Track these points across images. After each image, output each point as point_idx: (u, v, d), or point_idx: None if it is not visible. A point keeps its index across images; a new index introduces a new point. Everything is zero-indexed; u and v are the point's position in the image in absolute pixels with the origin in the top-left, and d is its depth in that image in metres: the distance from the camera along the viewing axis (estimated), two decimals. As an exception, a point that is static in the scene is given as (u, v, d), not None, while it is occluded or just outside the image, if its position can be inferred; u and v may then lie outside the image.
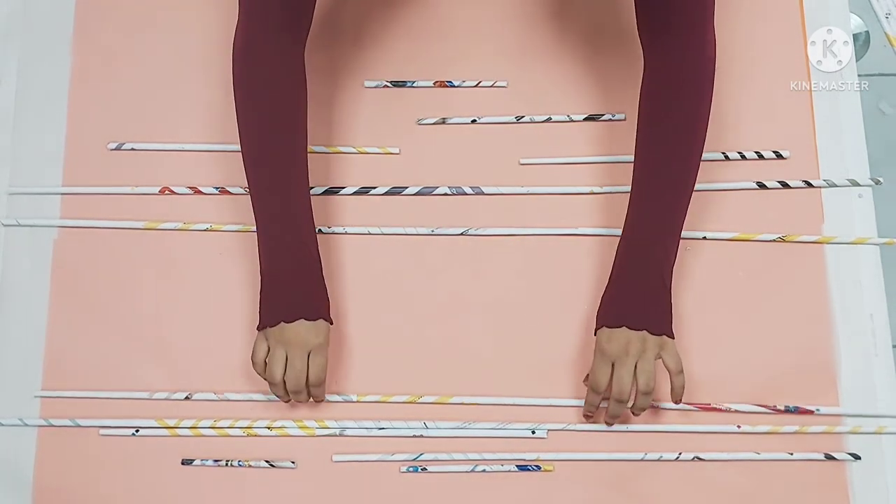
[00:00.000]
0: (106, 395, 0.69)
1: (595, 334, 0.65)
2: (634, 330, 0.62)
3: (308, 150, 0.73)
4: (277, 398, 0.67)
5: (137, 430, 0.69)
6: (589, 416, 0.68)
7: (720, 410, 0.68)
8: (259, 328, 0.65)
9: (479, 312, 0.71)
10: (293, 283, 0.64)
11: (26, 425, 0.69)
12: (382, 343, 0.71)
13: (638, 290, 0.64)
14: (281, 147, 0.64)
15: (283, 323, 0.63)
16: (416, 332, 0.71)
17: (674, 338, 0.64)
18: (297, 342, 0.63)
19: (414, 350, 0.71)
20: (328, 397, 0.68)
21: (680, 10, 0.62)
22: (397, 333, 0.71)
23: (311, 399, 0.67)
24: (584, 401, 0.67)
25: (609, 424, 0.67)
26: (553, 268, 0.72)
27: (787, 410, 0.68)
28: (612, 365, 0.63)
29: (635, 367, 0.62)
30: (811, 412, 0.69)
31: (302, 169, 0.65)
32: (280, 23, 0.63)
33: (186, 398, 0.69)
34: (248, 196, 0.65)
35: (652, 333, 0.62)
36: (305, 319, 0.63)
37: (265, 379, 0.65)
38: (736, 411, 0.68)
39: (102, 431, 0.69)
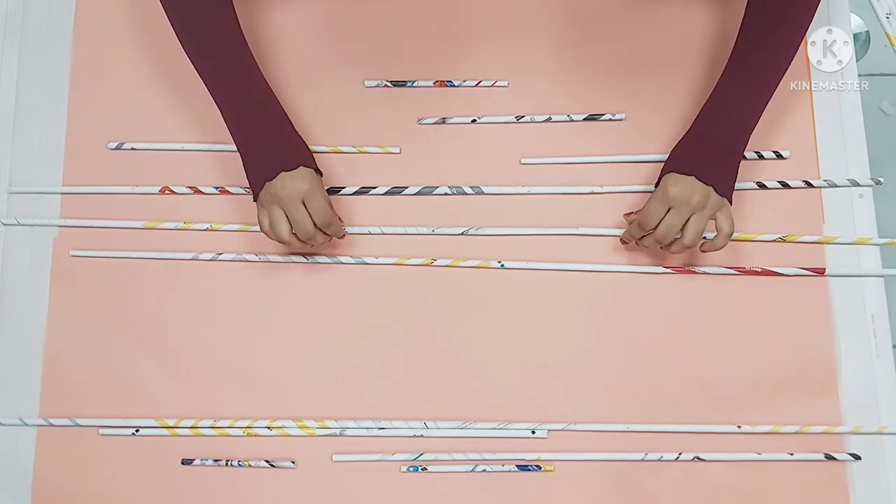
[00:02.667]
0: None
1: (659, 177, 0.67)
2: (702, 182, 0.64)
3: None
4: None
5: (137, 430, 0.69)
6: (625, 242, 0.71)
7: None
8: (254, 199, 0.66)
9: (480, 313, 0.71)
10: (263, 142, 0.65)
11: (26, 425, 0.70)
12: (383, 339, 0.71)
13: (715, 148, 0.65)
14: (214, 20, 0.66)
15: (266, 183, 0.64)
16: (418, 331, 0.71)
17: (731, 204, 0.66)
18: (285, 195, 0.63)
19: (415, 349, 0.71)
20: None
21: None
22: (398, 333, 0.71)
23: (332, 238, 0.69)
24: (624, 230, 0.70)
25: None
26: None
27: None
28: (668, 210, 0.65)
29: (688, 219, 0.64)
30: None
31: (240, 37, 0.67)
32: None
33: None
34: (231, 151, 0.68)
35: (717, 192, 0.64)
36: (284, 171, 0.64)
37: (278, 240, 0.65)
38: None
39: (102, 431, 0.69)
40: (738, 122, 0.66)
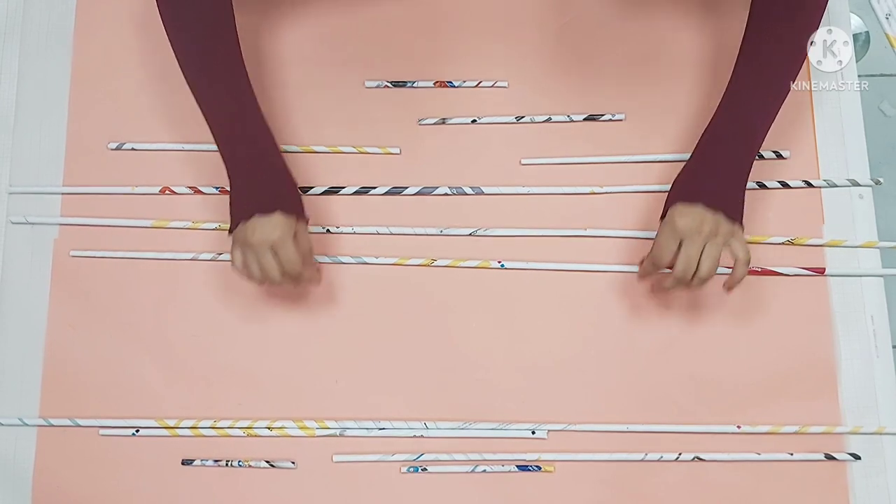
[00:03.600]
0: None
1: (664, 210, 0.63)
2: (710, 210, 0.61)
3: (308, 149, 0.74)
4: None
5: (137, 431, 0.69)
6: (643, 277, 0.68)
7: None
8: (229, 232, 0.64)
9: (480, 313, 0.71)
10: (249, 180, 0.63)
11: (26, 425, 0.69)
12: (384, 339, 0.71)
13: (720, 172, 0.62)
14: (215, 46, 0.65)
15: (241, 223, 0.62)
16: (418, 331, 0.71)
17: (744, 229, 0.63)
18: (254, 240, 0.61)
19: (415, 350, 0.71)
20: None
21: None
22: (398, 333, 0.71)
23: (307, 282, 0.66)
24: (638, 268, 0.67)
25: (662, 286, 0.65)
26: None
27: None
28: (680, 242, 0.61)
29: (703, 249, 0.61)
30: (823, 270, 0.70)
31: (241, 67, 0.65)
32: None
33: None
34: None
35: (727, 217, 0.61)
36: (259, 214, 0.61)
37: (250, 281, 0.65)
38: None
39: (102, 432, 0.69)
40: (744, 141, 0.63)
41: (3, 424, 0.70)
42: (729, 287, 0.63)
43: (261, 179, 0.64)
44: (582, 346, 0.70)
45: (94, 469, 0.69)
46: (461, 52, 0.77)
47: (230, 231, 0.64)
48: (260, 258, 0.62)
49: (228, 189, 0.65)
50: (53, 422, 0.69)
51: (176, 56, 0.66)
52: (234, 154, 0.65)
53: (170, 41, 0.66)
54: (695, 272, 0.62)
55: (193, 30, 0.65)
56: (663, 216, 0.64)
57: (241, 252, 0.63)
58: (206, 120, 0.66)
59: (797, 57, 0.65)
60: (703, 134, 0.65)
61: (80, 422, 0.69)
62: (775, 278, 0.71)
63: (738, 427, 0.68)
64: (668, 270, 0.64)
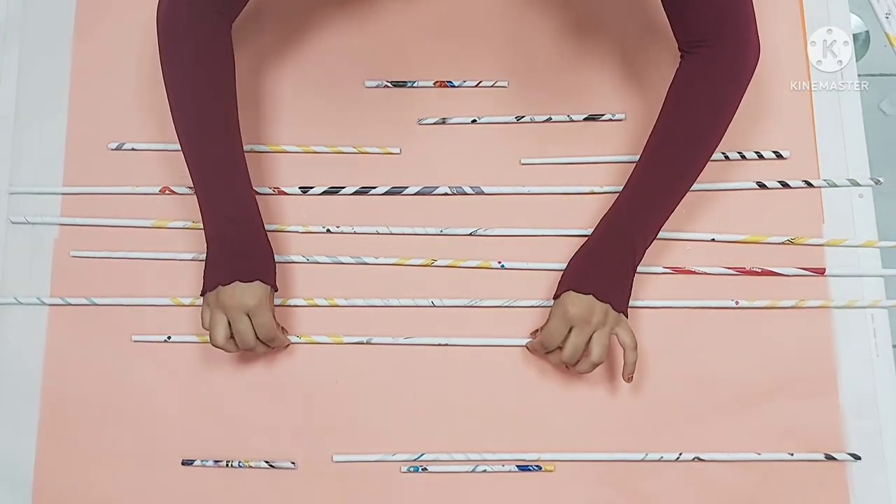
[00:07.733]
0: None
1: (556, 293, 0.66)
2: (600, 301, 0.64)
3: (308, 149, 0.74)
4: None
5: (169, 338, 0.70)
6: (533, 353, 0.69)
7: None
8: (201, 294, 0.65)
9: (480, 312, 0.71)
10: (232, 246, 0.64)
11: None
12: (382, 342, 0.71)
13: (612, 266, 0.65)
14: (211, 115, 0.65)
15: (219, 286, 0.63)
16: (417, 331, 0.71)
17: (628, 317, 0.66)
18: (232, 304, 0.63)
19: (414, 350, 0.71)
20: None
21: (719, 21, 0.63)
22: (398, 333, 0.71)
23: (274, 348, 0.67)
24: (528, 341, 0.69)
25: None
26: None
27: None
28: (569, 328, 0.64)
29: (590, 336, 0.64)
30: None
31: (234, 135, 0.66)
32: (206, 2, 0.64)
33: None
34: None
35: (614, 309, 0.64)
36: (241, 281, 0.63)
37: (212, 344, 0.65)
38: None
39: (135, 338, 0.70)
40: (634, 241, 0.65)
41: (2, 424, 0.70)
42: (628, 375, 0.65)
43: (243, 247, 0.65)
44: (582, 345, 0.70)
45: (94, 469, 0.69)
46: (461, 51, 0.77)
47: (203, 292, 0.65)
48: (236, 323, 0.63)
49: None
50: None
51: (169, 102, 0.65)
52: (217, 218, 0.65)
53: (165, 88, 0.66)
54: (586, 357, 0.64)
55: (191, 81, 0.65)
56: (556, 296, 0.66)
57: (210, 313, 0.64)
58: (191, 174, 0.65)
59: (700, 160, 0.66)
60: (602, 217, 0.67)
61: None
62: (775, 278, 0.71)
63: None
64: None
